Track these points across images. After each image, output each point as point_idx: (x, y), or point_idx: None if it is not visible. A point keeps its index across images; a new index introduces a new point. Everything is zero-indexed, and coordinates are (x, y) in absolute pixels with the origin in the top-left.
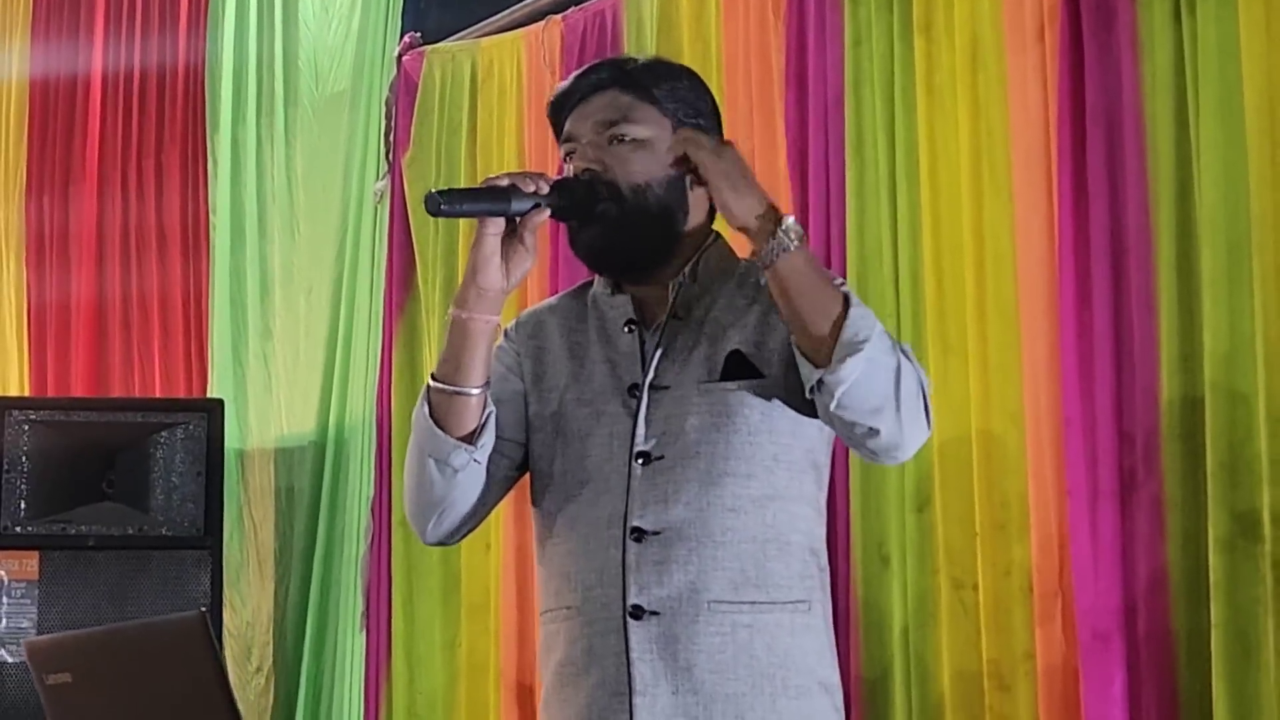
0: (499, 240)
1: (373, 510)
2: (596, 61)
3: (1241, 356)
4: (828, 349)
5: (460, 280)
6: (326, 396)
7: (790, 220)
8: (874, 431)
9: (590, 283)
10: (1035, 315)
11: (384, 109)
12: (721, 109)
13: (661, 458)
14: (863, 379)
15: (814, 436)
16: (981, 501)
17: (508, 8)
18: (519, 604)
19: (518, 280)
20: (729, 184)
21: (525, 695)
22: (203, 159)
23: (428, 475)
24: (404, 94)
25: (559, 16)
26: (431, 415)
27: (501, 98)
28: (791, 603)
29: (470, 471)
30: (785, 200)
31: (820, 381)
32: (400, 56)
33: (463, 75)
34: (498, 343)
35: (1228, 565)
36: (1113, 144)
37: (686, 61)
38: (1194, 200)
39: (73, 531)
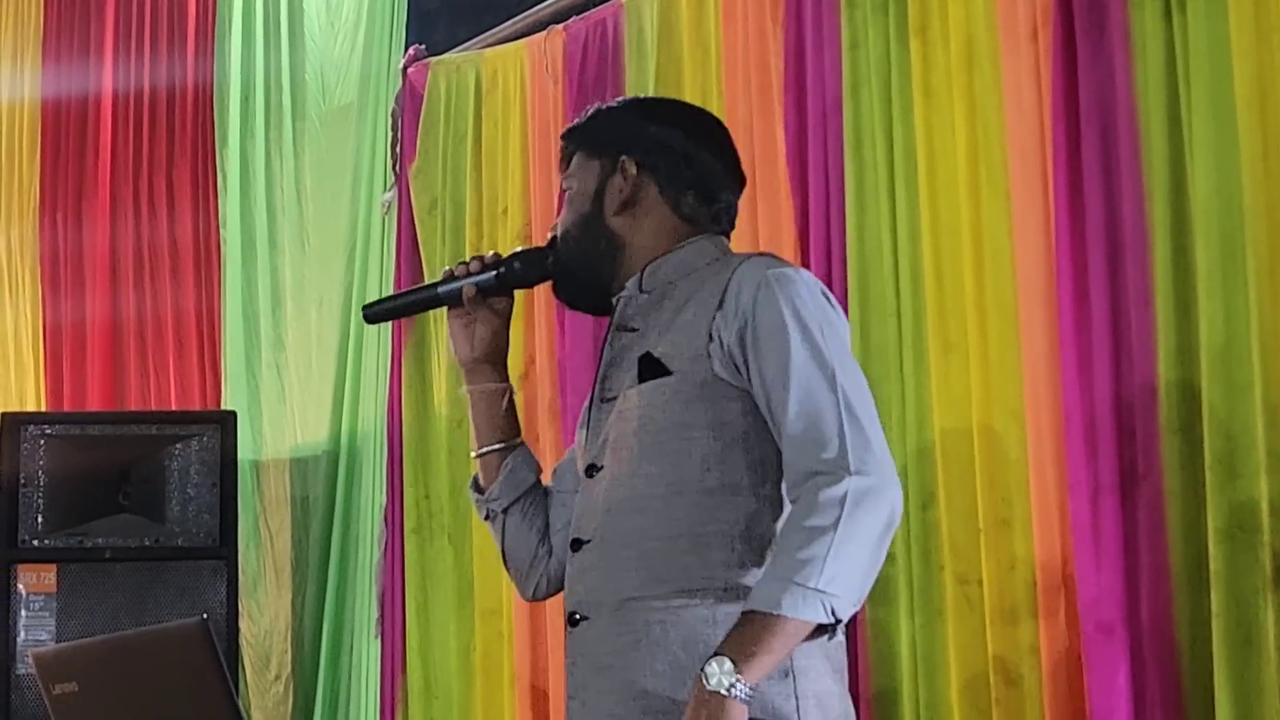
0: (457, 322)
1: (386, 518)
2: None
3: (1238, 349)
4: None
5: None
6: (339, 406)
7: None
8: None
9: None
10: (1034, 312)
11: (390, 121)
12: (721, 114)
13: (601, 468)
14: (842, 579)
15: (739, 428)
16: (984, 498)
17: (510, 19)
18: (532, 608)
19: (486, 350)
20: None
21: (540, 699)
22: (213, 174)
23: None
24: (409, 106)
25: (561, 26)
26: (475, 479)
27: (506, 107)
28: (714, 591)
29: (503, 522)
30: (786, 203)
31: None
32: (405, 69)
33: (467, 86)
34: None
35: (1227, 555)
36: (1107, 142)
37: (686, 68)
38: (1188, 196)
39: (89, 544)
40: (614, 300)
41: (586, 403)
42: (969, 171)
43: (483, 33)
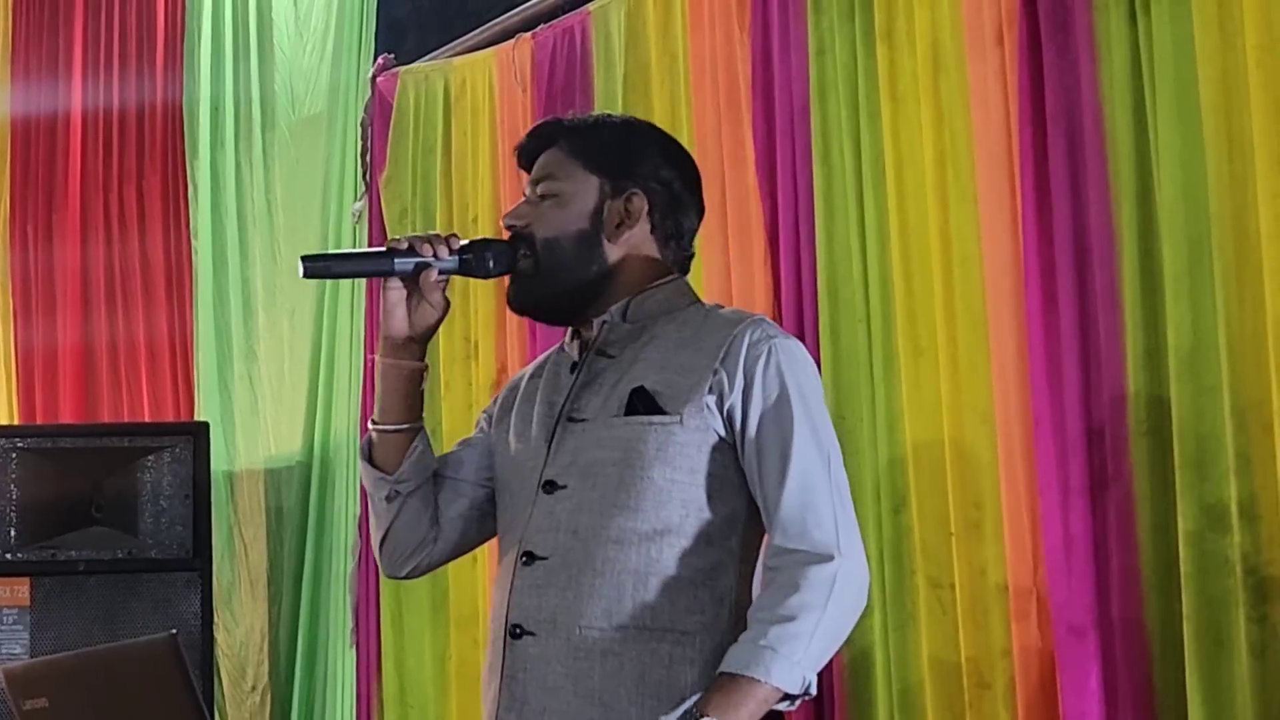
0: (401, 294)
1: (359, 528)
2: (545, 119)
3: (1205, 351)
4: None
5: None
6: (311, 416)
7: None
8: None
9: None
10: (1002, 316)
11: (360, 130)
12: (690, 121)
13: (564, 487)
14: (820, 658)
15: (719, 480)
16: (955, 501)
17: (479, 27)
18: None
19: (424, 330)
20: None
21: None
22: (183, 186)
23: (372, 508)
24: (379, 115)
25: (529, 34)
26: (367, 451)
27: (475, 116)
28: (671, 632)
29: (401, 504)
30: (755, 209)
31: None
32: (374, 78)
33: (436, 95)
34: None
35: (1198, 557)
36: (1073, 145)
37: (654, 75)
38: (1154, 199)
39: (62, 557)
40: (594, 323)
41: (518, 413)
42: (936, 176)
43: (451, 41)
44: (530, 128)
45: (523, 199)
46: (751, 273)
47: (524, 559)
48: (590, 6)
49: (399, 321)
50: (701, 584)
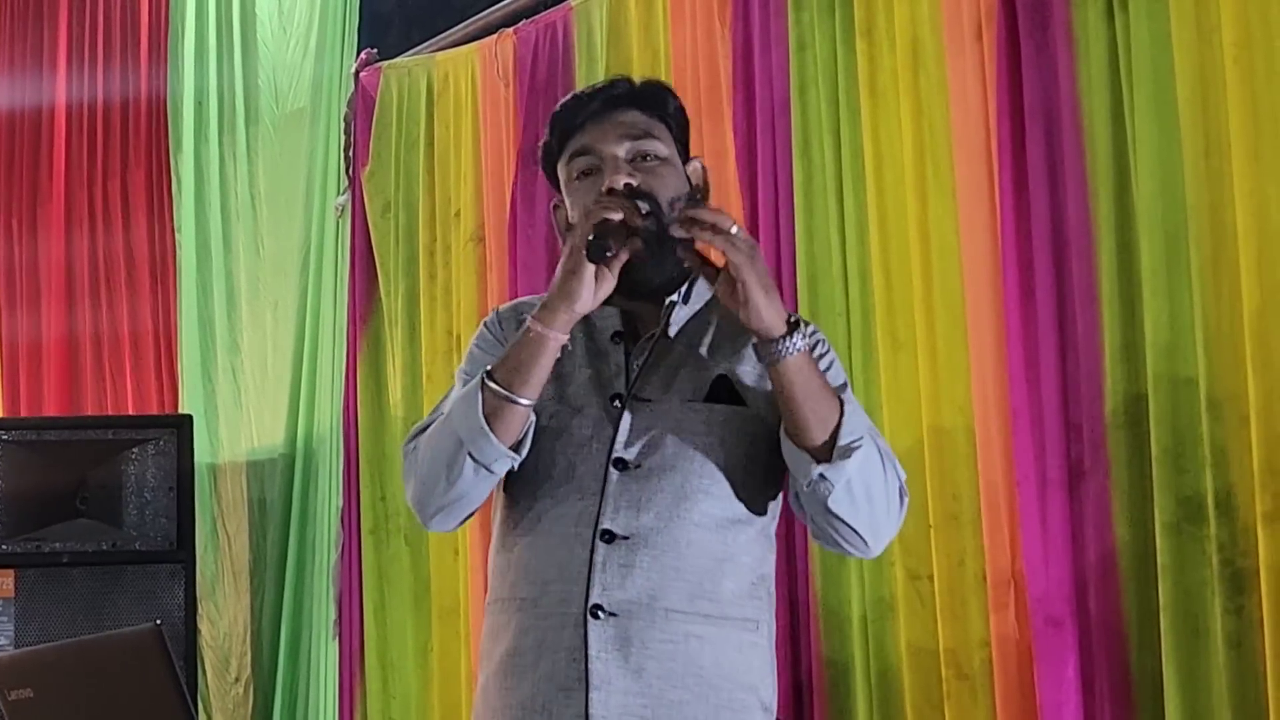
0: (592, 268)
1: (342, 520)
2: (610, 78)
3: (1182, 345)
4: (826, 449)
5: (546, 296)
6: (294, 409)
7: (809, 327)
8: (857, 534)
9: None
10: (981, 309)
11: (343, 125)
12: None
13: (639, 466)
14: (855, 482)
15: (774, 473)
16: (934, 493)
17: (461, 23)
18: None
19: (600, 301)
20: (763, 290)
21: None
22: (167, 180)
23: (461, 472)
24: (362, 109)
25: (511, 30)
26: (485, 416)
27: (457, 111)
28: (741, 620)
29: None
30: (735, 204)
31: (821, 476)
32: (357, 73)
33: (419, 90)
34: (479, 331)
35: (1174, 549)
36: (1051, 140)
37: (636, 70)
38: (1132, 193)
39: (47, 549)
40: (667, 301)
41: (572, 385)
42: (915, 171)
43: (434, 36)
44: (592, 86)
45: (610, 157)
46: None
47: (604, 537)
48: (573, 2)
49: (589, 296)
50: (759, 571)
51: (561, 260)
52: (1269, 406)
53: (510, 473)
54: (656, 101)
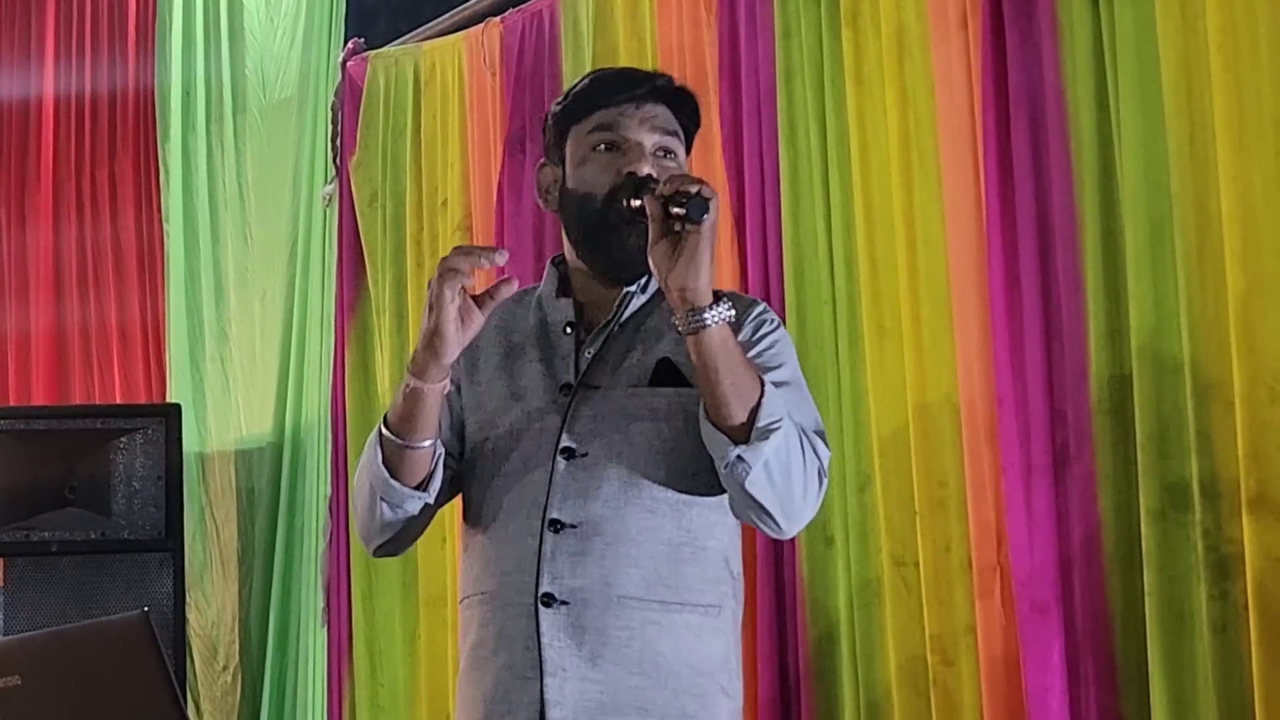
0: (457, 319)
1: (330, 508)
2: (655, 72)
3: (1167, 331)
4: (742, 429)
5: (412, 334)
6: (283, 398)
7: (725, 302)
8: (771, 517)
9: (533, 287)
10: (966, 296)
11: (330, 114)
12: None
13: (585, 454)
14: (773, 463)
15: None
16: (920, 480)
17: (448, 12)
18: None
19: (469, 342)
20: (708, 253)
21: None
22: (155, 169)
23: (381, 513)
24: (349, 99)
25: (498, 19)
26: (385, 463)
27: (444, 100)
28: (702, 606)
29: (429, 513)
30: (722, 191)
31: (738, 458)
32: (344, 62)
33: (406, 79)
34: None
35: (1159, 535)
36: (1036, 128)
37: (622, 58)
38: (1116, 181)
39: (35, 538)
40: (623, 292)
41: (502, 370)
42: (901, 158)
43: (421, 26)
44: (640, 72)
45: (637, 144)
46: (719, 254)
47: (552, 526)
48: None
49: (454, 344)
50: (721, 556)
51: (424, 318)
52: (1253, 392)
53: (467, 471)
54: (688, 107)
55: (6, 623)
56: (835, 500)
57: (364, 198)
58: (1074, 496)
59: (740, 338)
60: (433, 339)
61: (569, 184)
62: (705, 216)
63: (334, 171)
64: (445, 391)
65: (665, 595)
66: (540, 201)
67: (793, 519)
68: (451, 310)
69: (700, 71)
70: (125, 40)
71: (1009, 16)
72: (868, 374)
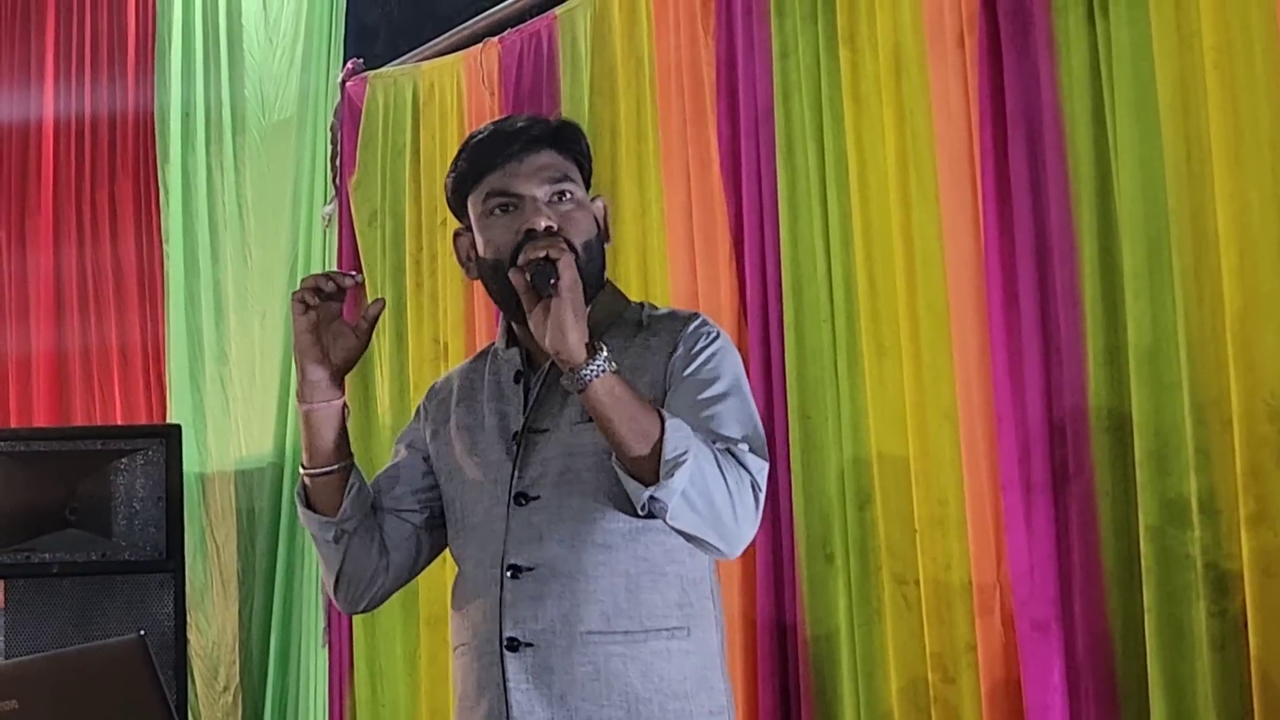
0: (310, 335)
1: None
2: (525, 117)
3: (1165, 348)
4: (652, 467)
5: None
6: (283, 418)
7: (602, 354)
8: (706, 543)
9: (492, 344)
10: (965, 315)
11: (329, 134)
12: (655, 123)
13: (537, 497)
14: (691, 492)
15: None
16: (919, 498)
17: (446, 32)
18: None
19: (344, 361)
20: (574, 315)
21: None
22: (155, 190)
23: (318, 551)
24: (348, 119)
25: (496, 39)
26: (304, 496)
27: (443, 120)
28: (667, 630)
29: (348, 542)
30: (720, 210)
31: (651, 498)
32: (344, 82)
33: (405, 99)
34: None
35: (1158, 552)
36: (1033, 145)
37: (620, 78)
38: (1114, 198)
39: (36, 559)
40: None
41: (460, 426)
42: (899, 176)
43: (419, 46)
44: (507, 125)
45: (530, 198)
46: (717, 273)
47: (509, 572)
48: (556, 11)
49: (315, 363)
50: (686, 577)
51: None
52: (1251, 409)
53: (448, 531)
54: (572, 142)
55: (8, 644)
56: (835, 518)
57: (363, 217)
58: (1073, 514)
59: (676, 355)
60: (296, 359)
61: (481, 251)
62: (555, 282)
63: (333, 191)
64: (338, 413)
65: (627, 625)
66: (464, 271)
67: (730, 540)
68: (302, 325)
69: (698, 91)
70: (125, 62)
71: (1006, 35)
72: (867, 392)
